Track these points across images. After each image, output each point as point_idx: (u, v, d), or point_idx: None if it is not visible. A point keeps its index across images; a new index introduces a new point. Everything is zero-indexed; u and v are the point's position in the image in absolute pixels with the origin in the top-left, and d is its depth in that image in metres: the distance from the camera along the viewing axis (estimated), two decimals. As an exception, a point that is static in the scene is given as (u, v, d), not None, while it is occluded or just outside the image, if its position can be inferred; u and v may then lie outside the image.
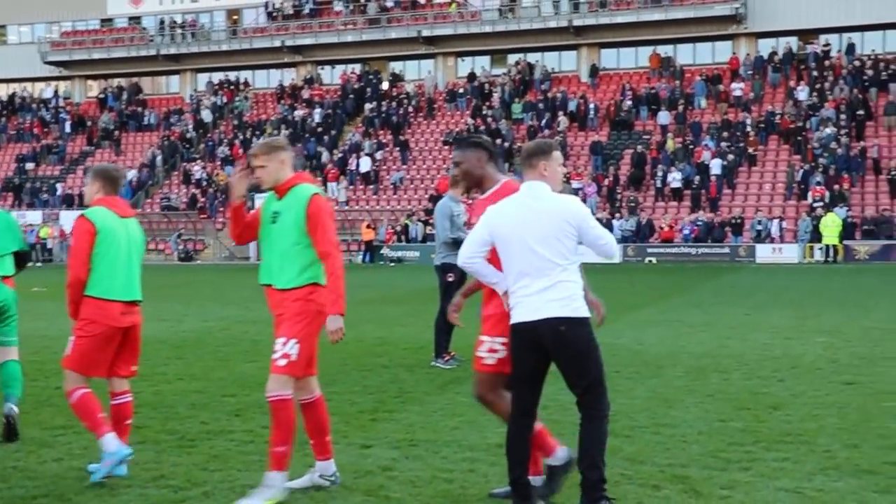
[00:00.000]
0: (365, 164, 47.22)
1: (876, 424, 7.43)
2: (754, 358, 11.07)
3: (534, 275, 4.96)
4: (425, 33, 51.99)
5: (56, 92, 59.96)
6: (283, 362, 5.48)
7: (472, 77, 51.40)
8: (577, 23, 49.67)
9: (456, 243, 10.56)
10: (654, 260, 38.30)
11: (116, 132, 55.18)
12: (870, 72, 44.55)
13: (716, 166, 41.82)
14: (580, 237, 5.01)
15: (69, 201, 49.77)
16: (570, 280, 4.98)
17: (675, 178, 41.84)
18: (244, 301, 19.86)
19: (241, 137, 51.34)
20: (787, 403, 8.32)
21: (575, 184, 42.92)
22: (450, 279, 10.72)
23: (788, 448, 6.68)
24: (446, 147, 48.14)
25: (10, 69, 60.47)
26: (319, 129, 50.38)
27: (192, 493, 5.62)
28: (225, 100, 55.13)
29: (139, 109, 56.70)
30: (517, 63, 51.22)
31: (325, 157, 48.42)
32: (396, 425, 7.52)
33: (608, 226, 39.44)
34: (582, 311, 4.98)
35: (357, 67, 54.80)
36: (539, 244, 4.95)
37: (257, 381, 9.58)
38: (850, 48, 46.33)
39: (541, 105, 48.10)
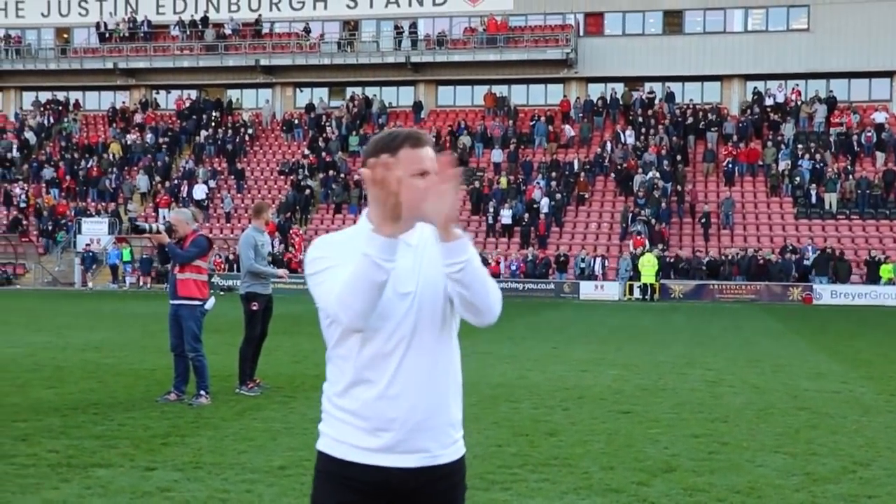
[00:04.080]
0: (199, 192, 46.67)
1: (636, 449, 8.10)
2: (548, 388, 11.72)
3: None
4: (263, 62, 51.96)
5: None
6: None
7: (309, 108, 51.63)
8: (414, 59, 50.68)
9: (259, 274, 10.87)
10: (481, 294, 39.11)
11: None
12: (690, 120, 47.20)
13: (545, 205, 43.35)
14: None
15: None
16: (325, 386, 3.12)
17: (506, 215, 43.10)
18: (57, 328, 19.45)
19: (69, 159, 49.93)
20: (564, 430, 8.93)
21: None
22: (254, 308, 10.96)
23: (551, 470, 7.24)
24: (282, 176, 48.16)
25: None
26: (152, 155, 49.51)
27: (-39, 514, 5.71)
28: (52, 120, 53.46)
29: (-41, 127, 54.41)
30: (352, 97, 51.75)
31: (143, 183, 47.60)
32: (185, 449, 7.71)
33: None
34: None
35: (193, 93, 54.18)
36: None
37: (52, 407, 9.62)
38: (671, 96, 48.95)
39: (378, 139, 48.63)
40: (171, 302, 10.32)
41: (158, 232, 10.20)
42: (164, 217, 41.85)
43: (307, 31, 52.37)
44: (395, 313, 2.93)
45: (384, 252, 2.76)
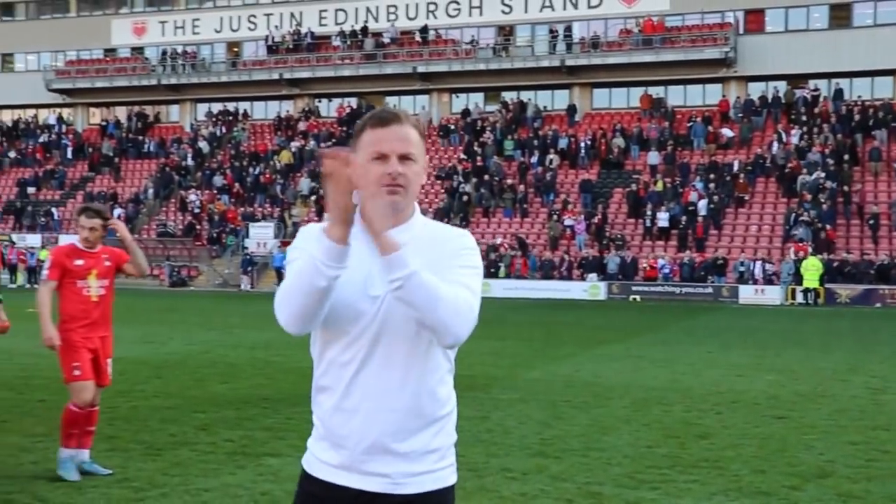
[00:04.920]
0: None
1: (789, 454, 8.09)
2: (700, 392, 11.71)
3: None
4: (420, 69, 52.99)
5: (60, 118, 61.01)
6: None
7: (465, 113, 52.32)
8: (569, 62, 50.65)
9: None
10: (638, 298, 38.87)
11: (116, 159, 56.09)
12: (857, 117, 45.47)
13: (702, 207, 42.60)
14: None
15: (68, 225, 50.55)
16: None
17: (662, 218, 42.58)
18: (229, 327, 20.52)
19: (238, 166, 52.21)
20: (715, 434, 8.97)
21: (567, 220, 43.71)
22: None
23: (701, 472, 7.33)
24: (438, 181, 48.97)
25: (17, 96, 61.60)
26: (315, 161, 51.29)
27: (151, 493, 6.29)
28: (223, 130, 56.08)
29: (140, 137, 57.70)
30: (504, 104, 52.04)
31: (305, 186, 49.32)
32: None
33: (595, 263, 40.20)
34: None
35: (353, 101, 55.76)
36: None
37: (227, 400, 10.31)
38: (838, 94, 47.28)
39: (533, 142, 48.97)
40: None
41: None
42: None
43: (474, 42, 52.89)
44: (361, 318, 2.58)
45: (328, 257, 2.42)
